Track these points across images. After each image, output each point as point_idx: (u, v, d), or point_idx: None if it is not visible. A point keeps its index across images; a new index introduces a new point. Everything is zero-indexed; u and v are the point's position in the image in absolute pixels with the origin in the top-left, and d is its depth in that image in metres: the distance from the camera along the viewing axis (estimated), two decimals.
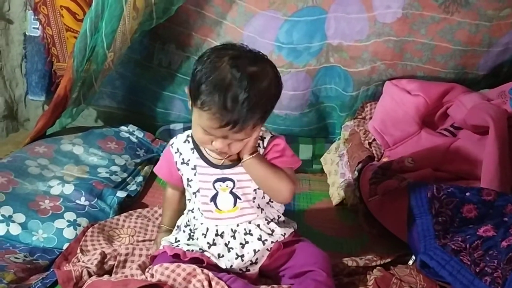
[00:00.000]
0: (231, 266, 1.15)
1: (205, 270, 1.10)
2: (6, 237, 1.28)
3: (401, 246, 1.34)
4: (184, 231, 1.22)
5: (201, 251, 1.16)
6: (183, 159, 1.17)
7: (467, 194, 1.20)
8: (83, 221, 1.36)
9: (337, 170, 1.70)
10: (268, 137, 1.15)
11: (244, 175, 1.14)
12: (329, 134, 1.97)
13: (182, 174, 1.19)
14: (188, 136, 1.19)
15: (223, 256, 1.15)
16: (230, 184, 1.14)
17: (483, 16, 1.57)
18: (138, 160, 1.74)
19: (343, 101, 1.82)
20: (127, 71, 1.93)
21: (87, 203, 1.43)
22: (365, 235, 1.47)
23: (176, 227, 1.26)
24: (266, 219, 1.19)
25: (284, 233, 1.20)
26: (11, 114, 2.06)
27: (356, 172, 1.56)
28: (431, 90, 1.61)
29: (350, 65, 1.71)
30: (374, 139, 1.65)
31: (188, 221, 1.23)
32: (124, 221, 1.40)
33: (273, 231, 1.18)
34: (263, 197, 1.18)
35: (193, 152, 1.16)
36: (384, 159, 1.59)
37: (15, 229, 1.29)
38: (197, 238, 1.16)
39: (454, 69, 1.68)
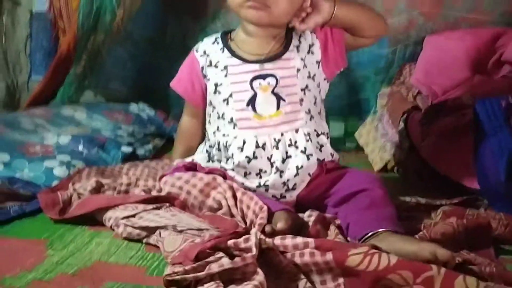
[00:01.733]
0: (266, 182, 0.89)
1: (229, 181, 0.86)
2: None
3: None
4: (202, 154, 0.99)
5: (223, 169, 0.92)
6: (210, 61, 0.97)
7: None
8: (79, 164, 1.14)
9: (376, 136, 1.46)
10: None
11: (289, 70, 0.93)
12: (362, 112, 1.75)
13: (208, 80, 0.97)
14: (216, 38, 1.00)
15: (265, 172, 0.91)
16: (272, 81, 0.92)
17: None
18: (148, 132, 1.53)
19: (378, 66, 1.62)
20: (138, 50, 1.78)
21: (86, 151, 1.21)
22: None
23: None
24: (316, 130, 0.95)
25: (333, 154, 0.96)
26: (13, 103, 1.88)
27: (402, 123, 1.32)
28: (481, 33, 1.42)
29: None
30: (419, 92, 1.43)
31: (208, 148, 0.99)
32: (128, 169, 1.16)
33: (322, 146, 0.95)
34: (315, 102, 0.96)
35: (222, 52, 0.97)
36: None
37: None
38: (232, 155, 0.91)
39: (505, 18, 1.49)
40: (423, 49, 1.53)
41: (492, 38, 1.41)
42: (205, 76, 0.98)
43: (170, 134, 1.57)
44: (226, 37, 1.00)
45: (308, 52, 0.97)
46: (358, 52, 1.64)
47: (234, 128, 0.92)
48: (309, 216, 0.86)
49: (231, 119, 0.93)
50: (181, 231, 0.74)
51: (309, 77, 0.96)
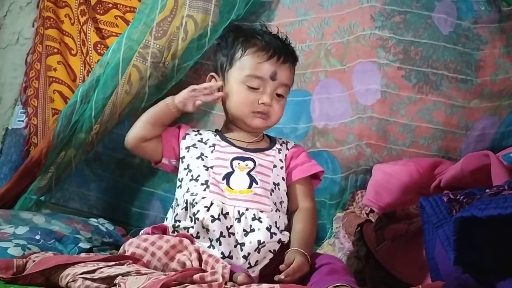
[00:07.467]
0: (229, 254, 0.91)
1: (197, 244, 0.88)
2: None
3: None
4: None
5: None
6: (201, 138, 1.12)
7: (487, 190, 1.07)
8: (35, 248, 1.10)
9: (334, 251, 1.51)
10: (292, 143, 1.19)
11: (268, 162, 1.06)
12: (319, 240, 1.80)
13: (196, 148, 1.08)
14: (211, 129, 1.20)
15: (224, 236, 0.94)
16: (250, 164, 1.03)
17: (455, 100, 1.70)
18: (106, 241, 1.51)
19: (332, 193, 1.74)
20: (106, 172, 1.85)
21: (42, 240, 1.18)
22: None
23: None
24: (279, 223, 1.01)
25: None
26: None
27: (357, 233, 1.39)
28: (421, 161, 1.60)
29: (336, 149, 1.72)
30: (371, 210, 1.53)
31: (179, 210, 1.03)
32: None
33: (283, 242, 1.00)
34: (281, 201, 1.04)
35: (215, 136, 1.12)
36: None
37: None
38: (197, 211, 0.95)
39: (438, 152, 1.70)
40: (372, 174, 1.68)
41: (432, 166, 1.59)
42: (194, 146, 1.08)
43: None
44: (219, 131, 1.17)
45: (281, 161, 1.11)
46: None
47: (205, 190, 0.98)
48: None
49: (206, 181, 0.99)
50: (145, 274, 0.73)
51: (282, 179, 1.07)
